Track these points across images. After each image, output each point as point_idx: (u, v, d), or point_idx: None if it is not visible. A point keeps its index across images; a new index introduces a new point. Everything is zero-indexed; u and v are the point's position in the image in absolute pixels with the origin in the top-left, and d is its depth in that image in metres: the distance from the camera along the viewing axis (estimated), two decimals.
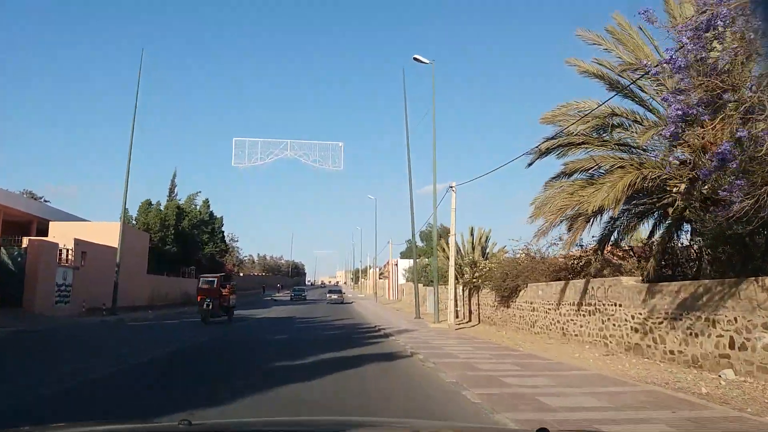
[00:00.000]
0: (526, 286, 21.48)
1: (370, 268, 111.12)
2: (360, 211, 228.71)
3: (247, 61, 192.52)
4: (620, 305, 14.70)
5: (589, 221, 14.19)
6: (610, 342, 15.09)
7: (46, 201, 58.51)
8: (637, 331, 13.83)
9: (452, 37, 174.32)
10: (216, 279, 24.98)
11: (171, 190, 57.20)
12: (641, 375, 10.35)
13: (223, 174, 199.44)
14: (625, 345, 14.29)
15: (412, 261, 67.79)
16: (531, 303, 21.09)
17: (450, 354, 11.81)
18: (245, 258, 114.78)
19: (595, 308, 16.09)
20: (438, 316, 24.02)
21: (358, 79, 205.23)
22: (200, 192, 44.33)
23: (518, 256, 32.94)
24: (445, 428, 4.09)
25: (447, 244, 36.67)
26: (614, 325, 14.98)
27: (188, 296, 44.42)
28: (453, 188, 27.85)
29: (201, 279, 25.69)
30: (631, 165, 13.92)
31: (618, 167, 13.75)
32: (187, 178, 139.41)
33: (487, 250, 34.73)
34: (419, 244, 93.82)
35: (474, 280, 27.83)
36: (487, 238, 34.84)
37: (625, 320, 14.41)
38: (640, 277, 14.84)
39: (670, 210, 14.68)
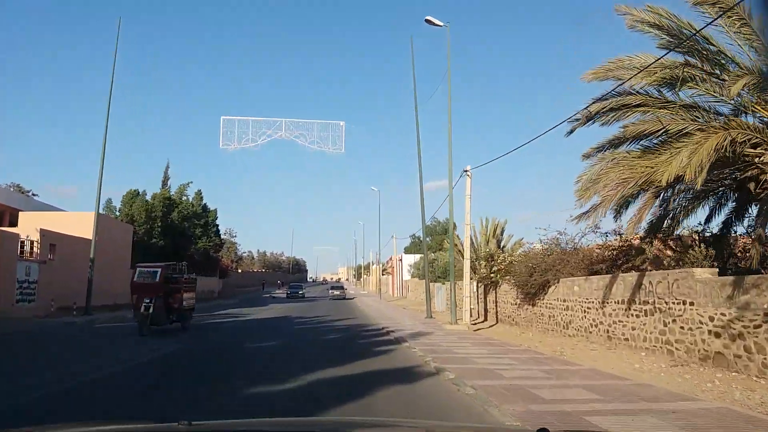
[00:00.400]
0: (558, 282, 18.58)
1: (372, 264, 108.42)
2: (361, 210, 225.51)
3: (243, 52, 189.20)
4: (692, 303, 11.78)
5: (658, 196, 11.24)
6: (678, 349, 12.18)
7: (34, 195, 55.74)
8: (718, 336, 10.92)
9: (454, 35, 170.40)
10: (160, 270, 17.91)
11: (164, 183, 54.37)
12: (756, 401, 7.43)
13: (222, 173, 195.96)
14: (700, 353, 11.38)
15: (416, 257, 65.00)
16: (564, 301, 18.18)
17: (488, 370, 8.84)
18: (244, 254, 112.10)
19: (654, 307, 13.16)
20: (455, 316, 21.01)
21: (359, 60, 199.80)
22: (191, 182, 41.31)
23: (535, 247, 29.86)
24: (453, 428, 3.91)
25: (458, 237, 33.75)
26: (683, 328, 12.05)
27: None
28: (468, 172, 24.94)
29: (137, 269, 18.50)
30: (713, 126, 10.97)
31: (697, 129, 10.79)
32: (185, 173, 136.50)
33: (503, 243, 31.75)
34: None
35: (492, 275, 24.90)
36: (502, 229, 31.88)
37: (700, 322, 11.49)
38: (715, 269, 11.99)
39: (752, 186, 11.79)
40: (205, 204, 49.53)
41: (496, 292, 25.64)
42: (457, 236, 32.94)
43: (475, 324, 24.64)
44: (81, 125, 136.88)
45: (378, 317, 26.66)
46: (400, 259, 69.02)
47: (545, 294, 19.57)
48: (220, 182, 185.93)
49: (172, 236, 36.73)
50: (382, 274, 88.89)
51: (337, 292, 56.16)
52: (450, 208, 20.88)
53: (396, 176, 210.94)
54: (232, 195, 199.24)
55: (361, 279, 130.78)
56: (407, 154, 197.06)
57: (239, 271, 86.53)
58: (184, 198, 40.83)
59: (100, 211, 34.47)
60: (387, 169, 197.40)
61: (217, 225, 49.93)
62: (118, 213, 34.59)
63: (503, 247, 31.93)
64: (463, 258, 32.43)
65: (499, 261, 25.08)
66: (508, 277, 23.51)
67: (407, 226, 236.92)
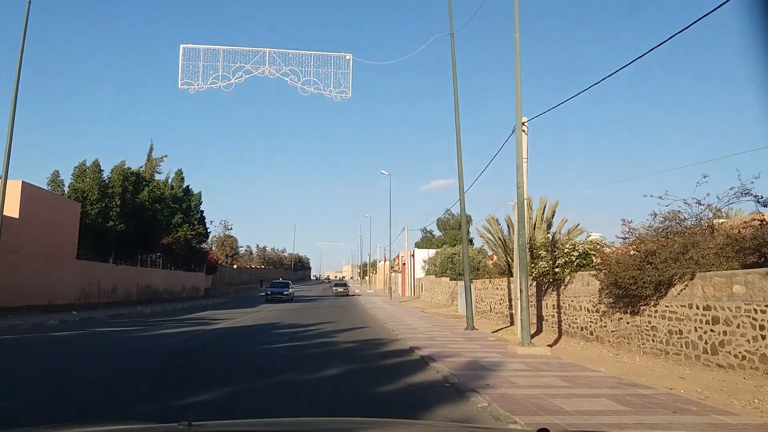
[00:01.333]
0: (692, 278, 11.82)
1: (379, 261, 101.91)
2: (368, 201, 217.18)
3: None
4: None
5: None
6: None
7: None
8: None
9: None
10: None
11: (148, 165, 47.95)
12: None
13: (216, 162, 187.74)
14: None
15: (430, 251, 58.06)
16: (706, 309, 11.46)
17: None
18: (241, 249, 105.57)
19: None
20: (527, 333, 13.70)
21: None
22: (166, 156, 34.27)
23: (593, 237, 22.91)
24: (448, 428, 3.91)
25: (495, 220, 26.91)
26: None
27: (150, 291, 35.06)
28: (524, 127, 18.18)
29: None
30: None
31: None
32: (175, 160, 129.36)
33: (554, 230, 24.88)
34: (437, 234, 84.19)
35: (555, 269, 18.11)
36: (553, 212, 24.97)
37: None
38: None
39: None
40: (187, 186, 42.88)
41: (558, 294, 18.89)
42: (495, 220, 26.14)
43: (533, 338, 17.94)
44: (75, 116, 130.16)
45: (397, 327, 19.91)
46: (412, 255, 62.21)
47: (662, 297, 12.82)
48: (215, 173, 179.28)
49: (139, 220, 30.10)
50: (391, 271, 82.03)
51: (340, 289, 60.44)
52: (519, 152, 13.72)
53: (407, 165, 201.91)
54: (228, 187, 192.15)
55: (367, 277, 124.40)
56: (423, 127, 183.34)
57: (234, 266, 79.90)
58: (158, 176, 33.91)
59: (46, 187, 27.94)
60: (399, 146, 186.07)
61: (202, 211, 43.25)
62: (66, 189, 28.02)
63: (554, 234, 25.09)
64: (503, 249, 25.66)
65: (565, 250, 18.29)
66: (586, 271, 16.82)
67: (419, 219, 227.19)
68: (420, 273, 56.82)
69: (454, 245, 57.28)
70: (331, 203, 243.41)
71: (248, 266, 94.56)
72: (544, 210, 25.78)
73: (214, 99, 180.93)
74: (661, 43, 11.06)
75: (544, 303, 20.55)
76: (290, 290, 43.72)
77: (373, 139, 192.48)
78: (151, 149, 49.06)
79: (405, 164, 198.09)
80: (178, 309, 30.45)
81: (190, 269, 44.05)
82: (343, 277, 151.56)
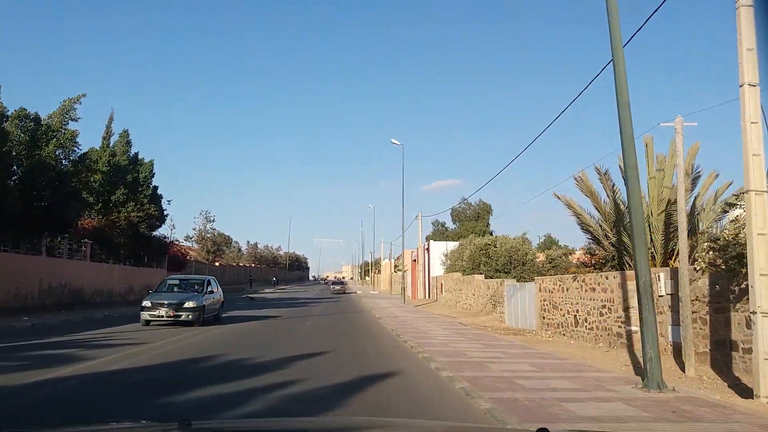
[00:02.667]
0: None
1: (383, 259, 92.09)
2: (371, 194, 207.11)
3: None
4: None
5: None
6: None
7: None
8: None
9: None
10: None
11: (105, 138, 38.15)
12: None
13: (222, 168, 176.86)
14: None
15: (450, 244, 47.83)
16: None
17: None
18: (234, 245, 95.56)
19: None
20: None
21: None
22: (85, 95, 23.87)
23: None
24: (445, 428, 4.02)
25: (605, 177, 16.71)
26: None
27: (69, 294, 25.21)
28: None
29: None
30: None
31: None
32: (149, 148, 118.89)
33: (697, 192, 15.07)
34: (450, 226, 73.96)
35: None
36: (692, 166, 14.85)
37: None
38: None
39: None
40: (136, 154, 32.97)
41: None
42: (605, 174, 16.04)
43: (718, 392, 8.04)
44: None
45: (461, 372, 10.04)
46: (427, 248, 52.05)
47: None
48: (214, 170, 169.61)
49: (38, 187, 20.26)
50: (395, 270, 72.17)
51: (338, 287, 65.27)
52: None
53: (408, 165, 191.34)
54: (227, 185, 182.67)
55: (369, 277, 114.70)
56: None
57: (216, 264, 69.97)
58: (71, 127, 23.33)
59: None
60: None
61: (155, 187, 33.17)
62: None
63: (696, 198, 15.21)
64: (613, 224, 15.68)
65: None
66: None
67: (428, 211, 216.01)
68: (438, 270, 47.04)
69: (484, 234, 47.43)
70: (330, 202, 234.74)
71: (235, 264, 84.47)
72: (673, 158, 15.80)
73: (210, 93, 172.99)
74: None
75: (732, 317, 10.76)
76: (204, 300, 18.97)
77: (375, 138, 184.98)
78: (112, 119, 39.02)
79: (406, 164, 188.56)
80: (94, 320, 20.69)
81: (143, 264, 34.13)
82: (343, 277, 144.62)
